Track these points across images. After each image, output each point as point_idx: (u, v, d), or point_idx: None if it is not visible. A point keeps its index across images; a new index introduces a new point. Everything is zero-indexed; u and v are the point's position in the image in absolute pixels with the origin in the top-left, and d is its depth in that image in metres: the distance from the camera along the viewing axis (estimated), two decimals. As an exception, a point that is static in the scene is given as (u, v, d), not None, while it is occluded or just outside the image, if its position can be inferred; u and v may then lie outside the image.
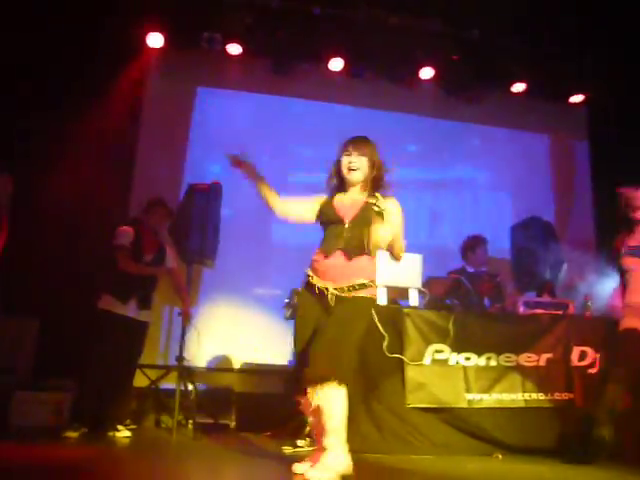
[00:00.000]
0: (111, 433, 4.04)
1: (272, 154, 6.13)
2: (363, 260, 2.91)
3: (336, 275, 2.88)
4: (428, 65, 6.27)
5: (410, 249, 4.10)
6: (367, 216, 2.92)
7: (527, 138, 6.81)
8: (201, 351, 5.16)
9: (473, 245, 4.93)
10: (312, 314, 2.92)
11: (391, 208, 2.94)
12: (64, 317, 5.00)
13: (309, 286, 2.96)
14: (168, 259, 4.44)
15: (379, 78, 6.42)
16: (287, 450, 3.66)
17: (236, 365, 5.59)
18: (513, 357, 3.98)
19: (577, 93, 6.60)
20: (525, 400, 3.94)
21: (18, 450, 3.43)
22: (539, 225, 4.82)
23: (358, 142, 3.08)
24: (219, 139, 6.01)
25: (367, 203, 2.93)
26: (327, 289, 2.87)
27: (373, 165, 3.04)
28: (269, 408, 4.86)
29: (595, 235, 6.38)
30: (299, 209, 3.17)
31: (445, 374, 3.84)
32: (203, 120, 6.19)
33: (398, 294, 3.87)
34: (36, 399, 4.49)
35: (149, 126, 6.02)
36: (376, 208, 2.90)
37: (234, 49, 6.07)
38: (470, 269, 4.80)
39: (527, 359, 4.00)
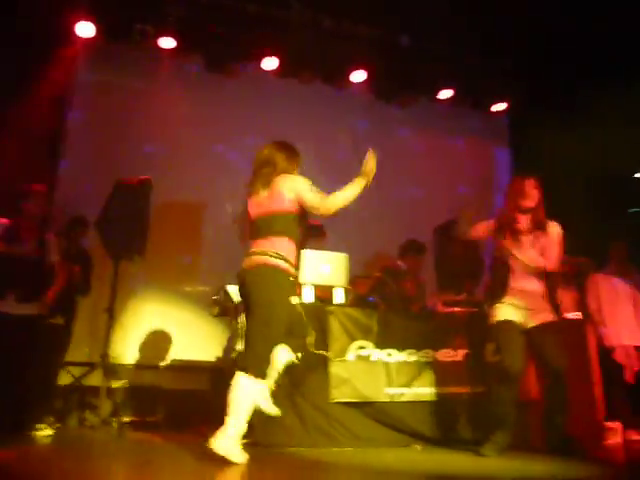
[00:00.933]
0: (32, 432, 3.94)
1: (202, 153, 6.13)
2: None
3: None
4: (360, 68, 6.42)
5: (338, 249, 4.27)
6: None
7: (451, 144, 7.11)
8: (127, 348, 5.11)
9: (419, 250, 5.12)
10: None
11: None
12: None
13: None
14: (50, 252, 4.25)
15: (313, 79, 6.53)
16: (212, 445, 3.69)
17: (163, 362, 5.56)
18: (432, 353, 4.18)
19: (499, 102, 6.95)
20: (443, 394, 4.14)
21: None
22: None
23: None
24: (150, 133, 5.96)
25: None
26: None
27: None
28: (196, 404, 4.87)
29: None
30: None
31: (368, 369, 3.99)
32: (134, 114, 6.08)
33: (324, 292, 3.99)
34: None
35: (77, 119, 5.88)
36: None
37: (167, 43, 6.01)
38: (394, 269, 4.99)
39: (445, 355, 4.21)
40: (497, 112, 7.07)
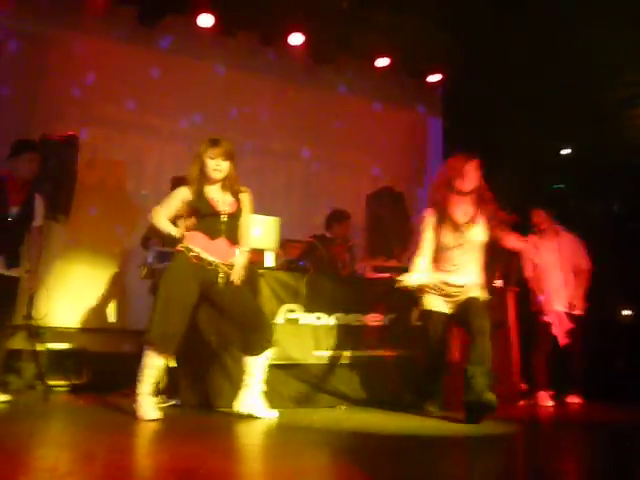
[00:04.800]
0: None
1: (128, 107, 5.96)
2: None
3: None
4: (298, 31, 6.33)
5: (269, 213, 4.27)
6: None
7: (386, 112, 7.17)
8: (52, 310, 4.97)
9: (340, 218, 5.23)
10: None
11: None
12: None
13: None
14: (36, 215, 4.09)
15: (251, 39, 6.40)
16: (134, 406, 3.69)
17: (89, 325, 5.44)
18: (360, 317, 4.29)
19: (434, 72, 7.03)
20: (369, 357, 4.28)
21: None
22: (391, 195, 5.14)
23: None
24: (75, 89, 5.71)
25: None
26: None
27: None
28: (124, 367, 4.81)
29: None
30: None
31: (296, 332, 4.06)
32: (59, 67, 5.78)
33: (255, 255, 4.00)
34: None
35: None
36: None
37: (98, -6, 5.72)
38: (329, 235, 5.07)
39: (373, 319, 4.33)
40: (432, 83, 7.16)
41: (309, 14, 6.20)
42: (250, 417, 3.42)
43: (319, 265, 4.49)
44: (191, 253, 3.36)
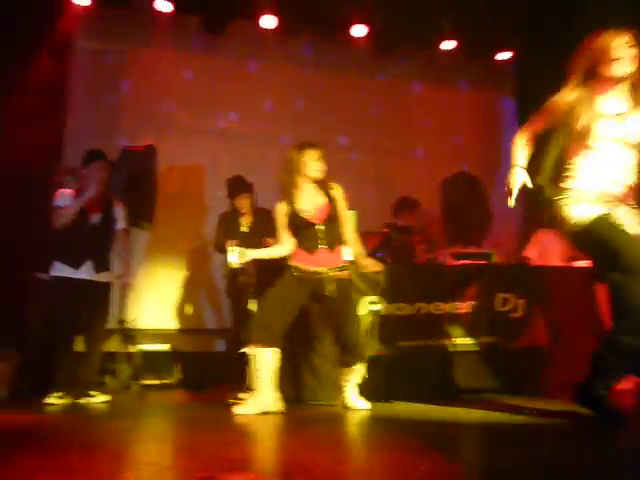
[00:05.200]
0: (84, 399, 4.00)
1: (203, 115, 6.12)
2: None
3: None
4: (360, 23, 6.30)
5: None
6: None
7: (456, 96, 7.00)
8: (143, 313, 5.20)
9: (411, 206, 5.16)
10: None
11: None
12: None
13: None
14: (118, 219, 4.26)
15: (313, 35, 6.42)
16: (230, 402, 3.81)
17: (177, 326, 5.66)
18: (442, 305, 4.22)
19: (504, 50, 6.79)
20: (453, 345, 4.21)
21: None
22: (466, 180, 5.03)
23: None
24: (151, 100, 5.94)
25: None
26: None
27: None
28: (211, 366, 5.00)
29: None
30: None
31: (379, 324, 4.04)
32: (134, 80, 6.04)
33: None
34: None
35: (78, 90, 5.86)
36: None
37: (164, 7, 5.93)
38: (401, 223, 5.01)
39: (455, 307, 4.24)
40: (503, 61, 6.92)
41: (370, 4, 6.16)
42: (345, 410, 3.48)
43: (397, 255, 4.45)
44: (295, 273, 3.45)
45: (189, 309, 5.74)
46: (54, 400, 3.87)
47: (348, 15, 6.18)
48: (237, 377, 4.29)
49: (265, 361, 3.38)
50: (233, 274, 4.36)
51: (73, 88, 5.85)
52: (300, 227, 3.50)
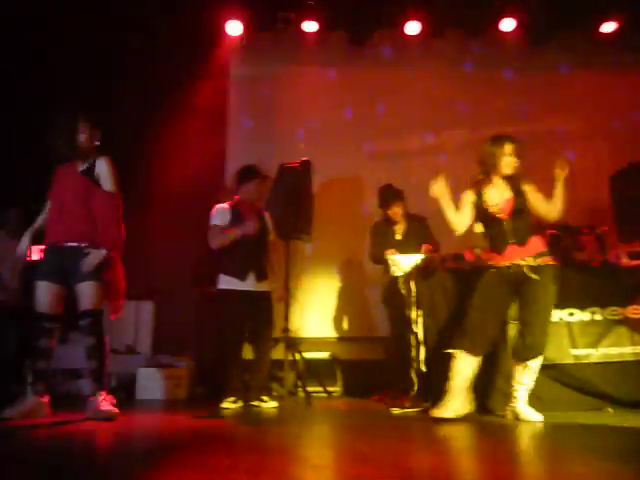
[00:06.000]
0: (256, 402, 4.20)
1: (356, 125, 6.22)
2: None
3: None
4: (508, 16, 6.05)
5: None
6: None
7: (619, 82, 6.43)
8: (305, 322, 5.39)
9: None
10: None
11: None
12: (175, 299, 5.36)
13: None
14: (270, 231, 4.43)
15: (459, 35, 6.28)
16: (395, 411, 3.81)
17: (337, 334, 5.79)
18: (619, 310, 3.89)
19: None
20: (634, 353, 3.85)
21: (165, 420, 3.75)
22: (638, 172, 4.60)
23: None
24: (305, 116, 6.17)
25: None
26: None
27: None
28: (371, 373, 5.03)
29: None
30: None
31: (549, 331, 3.81)
32: (287, 99, 6.33)
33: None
34: (158, 375, 4.84)
35: (236, 111, 6.29)
36: None
37: (310, 27, 6.15)
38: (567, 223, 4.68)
39: (634, 311, 3.89)
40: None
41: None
42: (516, 421, 3.35)
43: (566, 257, 4.17)
44: (493, 270, 3.44)
45: (346, 317, 5.85)
46: (228, 404, 4.11)
47: (497, 9, 5.96)
48: (397, 384, 4.31)
49: (464, 368, 3.38)
50: (391, 283, 4.37)
51: (232, 109, 6.29)
52: (487, 221, 3.50)
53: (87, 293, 3.44)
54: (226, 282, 4.21)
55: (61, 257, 3.49)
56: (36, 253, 5.19)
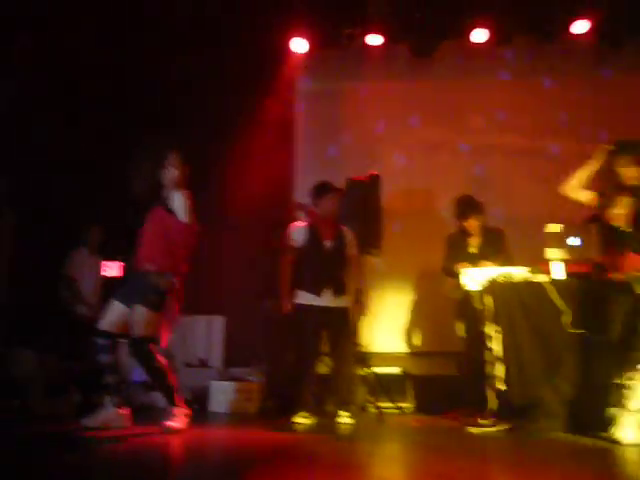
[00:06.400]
0: (332, 418, 4.18)
1: (423, 135, 6.16)
2: None
3: None
4: (581, 17, 5.83)
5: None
6: None
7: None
8: (375, 337, 5.34)
9: None
10: None
11: None
12: (245, 313, 5.42)
13: None
14: (349, 246, 4.38)
15: (528, 40, 6.11)
16: (473, 430, 3.69)
17: (408, 349, 5.69)
18: None
19: None
20: None
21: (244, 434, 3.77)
22: None
23: None
24: (371, 129, 6.16)
25: None
26: None
27: None
28: (443, 389, 4.91)
29: None
30: None
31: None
32: (352, 113, 6.34)
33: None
34: (230, 388, 4.89)
35: (304, 125, 6.36)
36: None
37: (374, 40, 6.15)
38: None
39: None
40: None
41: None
42: (618, 443, 3.16)
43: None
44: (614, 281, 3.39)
45: (419, 332, 5.75)
46: (300, 419, 4.10)
47: (569, 12, 5.76)
48: (471, 402, 4.18)
49: None
50: (465, 297, 4.26)
51: (299, 124, 6.37)
52: (609, 233, 3.44)
53: (136, 319, 3.54)
54: (302, 297, 4.23)
55: (131, 280, 3.68)
56: (114, 269, 5.42)
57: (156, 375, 3.58)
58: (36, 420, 4.07)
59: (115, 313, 3.62)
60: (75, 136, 5.44)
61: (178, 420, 3.50)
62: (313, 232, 4.30)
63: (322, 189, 4.35)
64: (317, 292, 4.19)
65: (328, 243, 4.30)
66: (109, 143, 5.51)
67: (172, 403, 3.55)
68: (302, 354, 4.23)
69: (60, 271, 5.10)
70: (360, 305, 4.41)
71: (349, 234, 4.41)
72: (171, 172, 3.69)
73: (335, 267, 4.28)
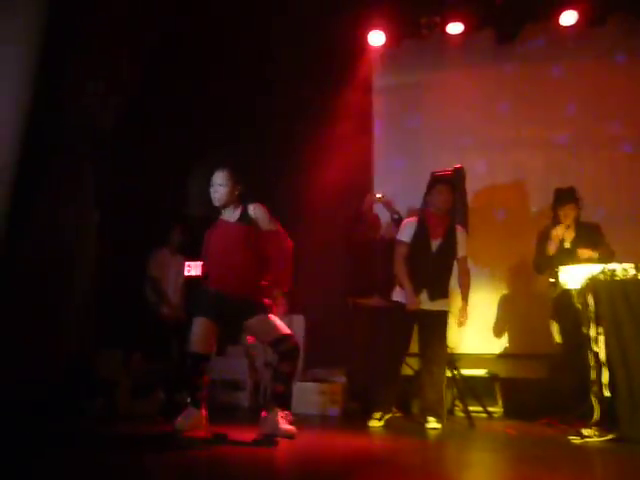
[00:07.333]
0: (421, 422, 4.05)
1: (509, 125, 5.86)
2: None
3: None
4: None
5: None
6: None
7: None
8: (462, 338, 5.11)
9: None
10: None
11: None
12: (326, 312, 5.33)
13: None
14: (459, 246, 4.15)
15: (626, 20, 5.65)
16: (575, 440, 3.42)
17: (497, 351, 5.41)
18: None
19: None
20: None
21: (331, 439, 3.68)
22: None
23: None
24: (453, 120, 5.92)
25: None
26: None
27: None
28: (535, 394, 4.66)
29: None
30: None
31: None
32: (433, 104, 6.12)
33: None
34: (314, 389, 4.83)
35: (383, 116, 6.23)
36: None
37: (455, 28, 5.93)
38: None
39: None
40: None
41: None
42: None
43: None
44: None
45: (509, 333, 5.44)
46: (374, 422, 3.99)
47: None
48: (572, 409, 3.90)
49: None
50: (562, 296, 3.98)
51: (378, 115, 6.24)
52: None
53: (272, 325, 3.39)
54: (399, 295, 4.13)
55: (227, 304, 3.40)
56: (195, 269, 5.46)
57: (292, 379, 3.51)
58: (123, 420, 4.13)
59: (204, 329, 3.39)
60: (156, 138, 5.54)
61: (286, 423, 3.31)
62: (422, 229, 4.13)
63: (430, 181, 4.18)
64: (415, 292, 4.03)
65: (436, 242, 4.10)
66: (190, 145, 5.58)
67: (283, 406, 3.38)
68: (385, 353, 4.12)
69: (144, 271, 5.17)
70: (461, 312, 4.13)
71: (461, 234, 4.19)
72: (228, 189, 3.44)
73: (437, 269, 4.09)
